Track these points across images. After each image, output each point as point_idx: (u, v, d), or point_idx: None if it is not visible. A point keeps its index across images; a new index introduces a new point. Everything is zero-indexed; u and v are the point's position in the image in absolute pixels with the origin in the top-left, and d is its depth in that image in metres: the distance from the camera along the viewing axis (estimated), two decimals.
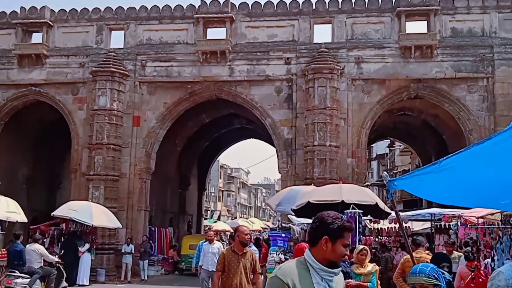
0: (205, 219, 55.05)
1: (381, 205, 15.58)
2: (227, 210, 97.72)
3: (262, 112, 28.43)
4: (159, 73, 29.18)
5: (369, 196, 15.87)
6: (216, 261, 15.71)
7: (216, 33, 29.41)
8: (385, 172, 11.09)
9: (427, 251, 12.96)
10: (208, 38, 29.25)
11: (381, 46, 27.82)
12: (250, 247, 15.98)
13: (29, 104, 30.90)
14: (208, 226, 33.26)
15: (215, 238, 17.24)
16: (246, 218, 74.44)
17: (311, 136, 26.36)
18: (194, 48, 28.78)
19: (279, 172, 28.34)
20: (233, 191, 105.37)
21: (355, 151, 27.32)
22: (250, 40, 28.79)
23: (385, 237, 22.80)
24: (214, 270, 15.56)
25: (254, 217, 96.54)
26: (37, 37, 30.37)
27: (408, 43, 27.31)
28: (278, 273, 3.88)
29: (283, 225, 22.32)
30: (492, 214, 15.04)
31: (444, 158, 5.70)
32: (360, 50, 27.86)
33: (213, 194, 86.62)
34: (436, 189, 7.03)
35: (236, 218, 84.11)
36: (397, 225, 20.64)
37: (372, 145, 55.16)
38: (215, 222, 47.36)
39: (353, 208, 13.68)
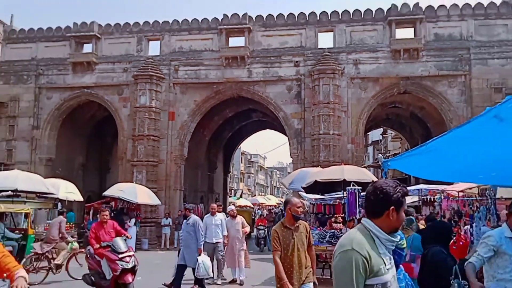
0: (230, 196, 55.06)
1: None
2: (248, 189, 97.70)
3: (276, 107, 28.18)
4: (190, 76, 29.05)
5: (367, 175, 15.94)
6: (219, 233, 14.52)
7: (237, 41, 29.21)
8: (380, 155, 11.11)
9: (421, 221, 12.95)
10: (230, 45, 28.99)
11: (375, 50, 27.50)
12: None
13: (82, 104, 30.85)
14: (232, 202, 33.17)
15: (235, 213, 15.58)
16: (264, 196, 74.45)
17: (317, 126, 26.26)
18: (219, 54, 28.60)
19: (291, 157, 28.13)
20: (252, 174, 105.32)
21: (354, 138, 27.12)
22: (265, 46, 28.52)
23: None
24: (219, 241, 14.49)
25: (271, 194, 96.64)
26: (87, 47, 30.26)
27: (397, 46, 26.99)
28: (354, 245, 3.17)
29: None
30: (471, 188, 14.99)
31: (429, 141, 5.72)
32: (357, 53, 27.56)
33: (236, 176, 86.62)
34: (423, 167, 7.02)
35: (255, 195, 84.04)
36: None
37: (368, 133, 54.63)
38: (238, 199, 47.19)
39: (353, 185, 13.63)
